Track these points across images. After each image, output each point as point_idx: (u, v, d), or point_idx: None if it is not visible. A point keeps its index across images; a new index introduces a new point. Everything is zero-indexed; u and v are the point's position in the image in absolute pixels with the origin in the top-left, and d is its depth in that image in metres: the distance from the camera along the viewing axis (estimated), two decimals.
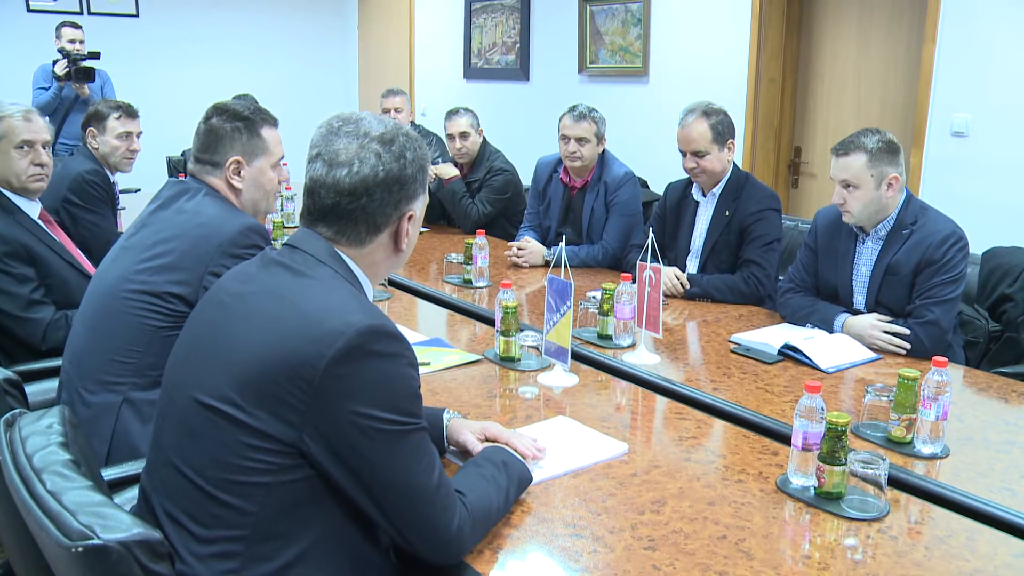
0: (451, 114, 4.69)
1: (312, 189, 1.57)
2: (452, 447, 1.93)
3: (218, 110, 2.35)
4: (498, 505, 1.63)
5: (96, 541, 1.18)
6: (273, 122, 2.42)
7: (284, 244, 1.60)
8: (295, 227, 4.59)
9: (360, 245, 1.58)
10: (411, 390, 1.47)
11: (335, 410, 1.38)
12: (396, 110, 5.30)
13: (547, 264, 3.87)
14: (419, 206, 1.64)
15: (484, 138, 4.76)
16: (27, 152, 2.91)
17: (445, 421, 1.93)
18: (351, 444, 1.40)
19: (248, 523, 1.41)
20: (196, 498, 1.43)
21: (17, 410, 1.55)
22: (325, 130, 1.58)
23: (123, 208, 4.33)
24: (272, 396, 1.38)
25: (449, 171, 4.64)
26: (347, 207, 1.54)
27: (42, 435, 1.44)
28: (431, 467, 1.47)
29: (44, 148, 2.98)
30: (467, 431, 1.90)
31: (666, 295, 3.32)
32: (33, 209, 2.97)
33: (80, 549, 1.18)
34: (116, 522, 1.23)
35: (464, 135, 4.64)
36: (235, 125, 2.32)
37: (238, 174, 2.34)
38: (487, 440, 1.88)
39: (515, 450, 1.84)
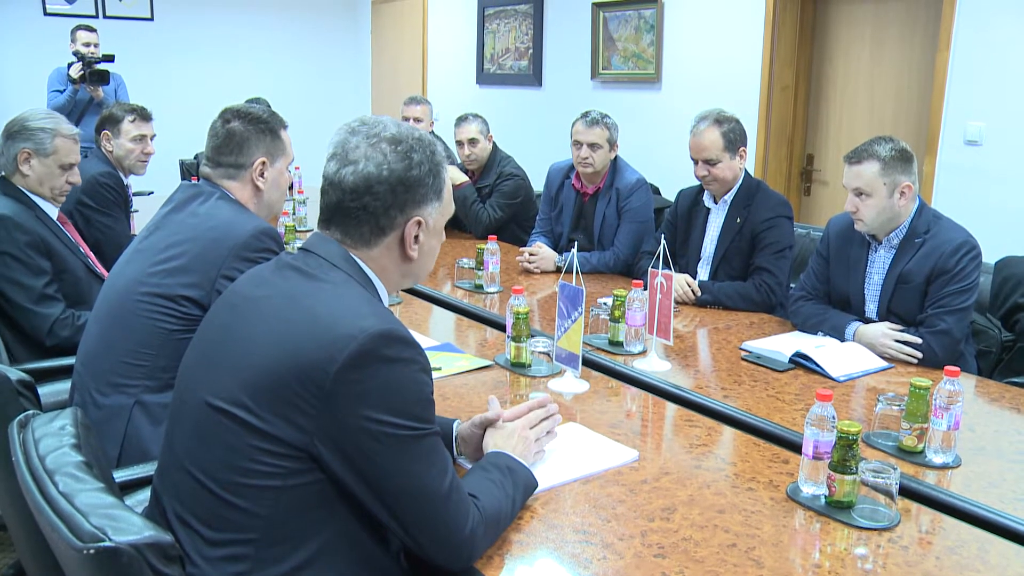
0: (460, 120, 4.70)
1: (323, 188, 1.58)
2: (464, 453, 1.93)
3: (237, 114, 2.38)
4: (507, 511, 1.63)
5: (108, 543, 1.19)
6: (286, 125, 2.46)
7: (299, 248, 1.61)
8: (307, 231, 4.62)
9: (367, 247, 1.58)
10: (423, 395, 1.47)
11: (346, 415, 1.38)
12: (416, 119, 5.29)
13: (559, 270, 3.87)
14: (431, 213, 1.61)
15: (494, 144, 4.76)
16: (67, 172, 3.02)
17: (455, 429, 1.93)
18: (362, 449, 1.40)
19: (258, 526, 1.42)
20: (206, 501, 1.43)
21: (30, 411, 1.56)
22: (345, 131, 1.59)
23: (136, 211, 4.35)
24: (283, 400, 1.39)
25: (459, 176, 4.64)
26: (350, 205, 1.54)
27: (55, 436, 1.44)
28: (443, 471, 1.47)
29: (76, 168, 3.09)
30: (478, 418, 1.89)
31: (677, 302, 3.32)
32: (52, 210, 3.04)
33: (92, 551, 1.18)
34: (128, 524, 1.23)
35: (473, 141, 4.64)
36: (259, 127, 2.37)
37: (262, 175, 2.37)
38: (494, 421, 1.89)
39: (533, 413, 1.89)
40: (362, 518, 1.48)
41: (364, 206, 1.54)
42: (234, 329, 1.52)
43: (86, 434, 1.52)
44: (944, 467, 1.99)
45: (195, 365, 1.56)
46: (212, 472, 1.43)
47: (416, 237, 1.60)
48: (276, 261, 1.61)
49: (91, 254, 3.20)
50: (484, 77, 7.71)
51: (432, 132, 5.44)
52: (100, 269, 3.14)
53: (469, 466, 1.88)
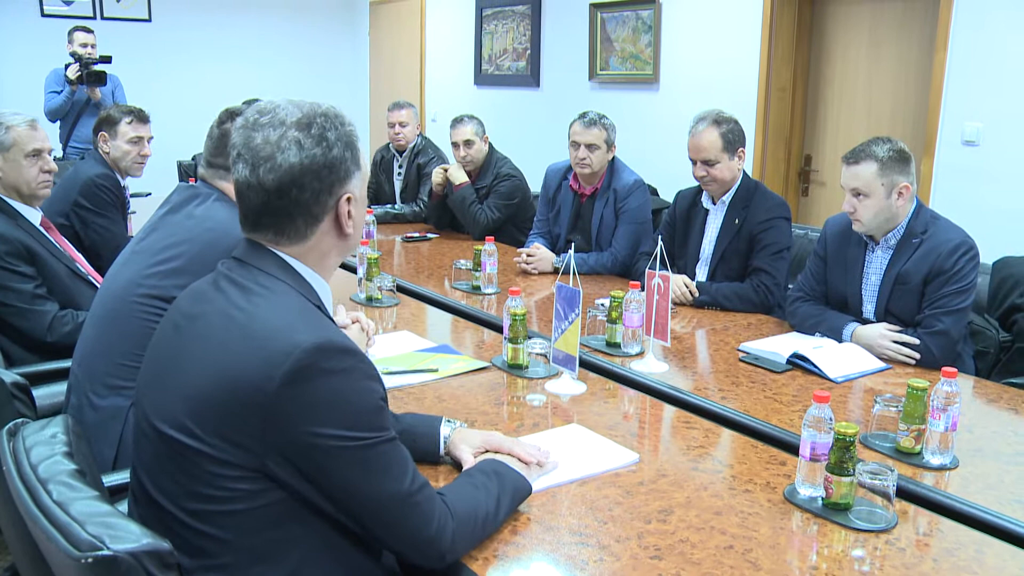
0: (456, 122, 4.70)
1: (240, 192, 1.51)
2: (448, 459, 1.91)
3: (231, 115, 2.37)
4: (487, 510, 1.60)
5: (106, 552, 1.18)
6: None
7: (232, 257, 1.55)
8: None
9: (302, 240, 1.52)
10: (370, 403, 1.42)
11: (293, 433, 1.35)
12: (401, 124, 5.26)
13: (556, 271, 3.86)
14: (356, 185, 1.55)
15: (491, 144, 4.76)
16: (37, 160, 2.97)
17: (445, 434, 1.91)
18: (316, 464, 1.37)
19: (230, 550, 1.40)
20: (175, 529, 1.41)
21: (20, 420, 1.55)
22: (242, 128, 1.50)
23: (133, 212, 4.34)
24: (227, 424, 1.36)
25: (460, 176, 4.64)
26: (277, 203, 1.47)
27: (46, 445, 1.43)
28: (402, 473, 1.44)
29: (49, 155, 3.04)
30: (465, 446, 1.87)
31: (675, 303, 3.31)
32: (34, 216, 3.02)
33: (90, 560, 1.17)
34: (125, 532, 1.22)
35: (469, 143, 4.64)
36: None
37: None
38: (488, 452, 1.86)
39: (518, 458, 1.83)
40: (337, 525, 1.46)
41: (294, 201, 1.47)
42: (177, 351, 1.48)
43: (78, 441, 1.50)
44: (942, 468, 1.99)
45: (146, 389, 1.52)
46: (175, 499, 1.41)
47: (348, 213, 1.54)
48: (215, 273, 1.55)
49: (78, 257, 3.19)
50: (482, 78, 7.71)
51: (421, 134, 5.44)
52: (89, 272, 3.14)
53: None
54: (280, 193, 1.47)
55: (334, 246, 1.57)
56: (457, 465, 1.87)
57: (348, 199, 1.53)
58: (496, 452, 1.85)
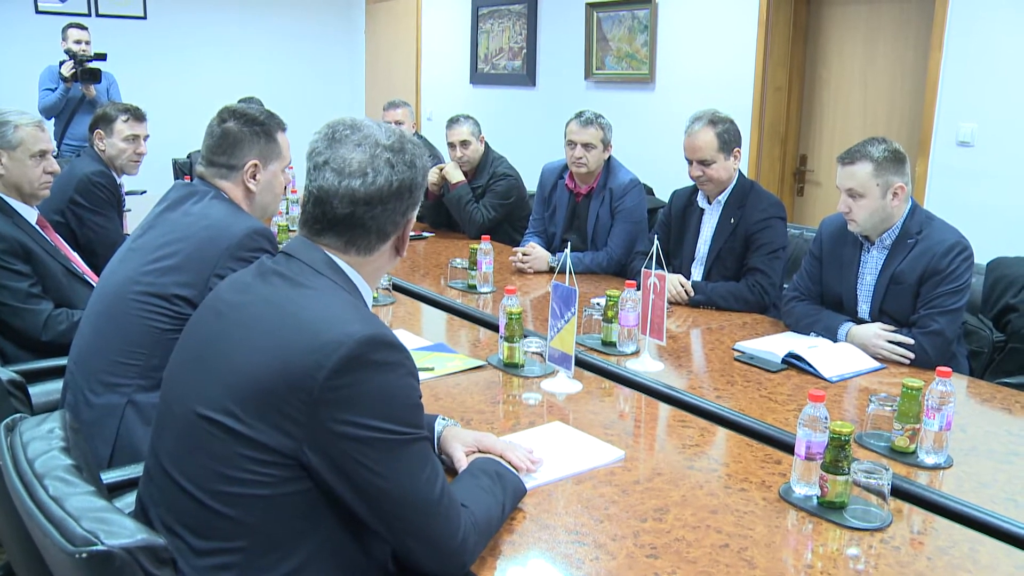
0: (451, 122, 4.69)
1: (322, 198, 1.54)
2: (442, 456, 1.92)
3: (233, 114, 2.36)
4: (496, 517, 1.63)
5: (100, 547, 1.18)
6: (284, 127, 2.44)
7: (280, 252, 1.59)
8: None
9: (368, 253, 1.58)
10: (411, 400, 1.46)
11: (335, 421, 1.37)
12: (396, 123, 5.27)
13: (552, 270, 3.87)
14: (416, 213, 1.66)
15: (487, 144, 4.76)
16: (41, 161, 2.99)
17: (438, 430, 1.92)
18: (352, 455, 1.39)
19: (246, 534, 1.41)
20: (194, 510, 1.43)
21: (17, 415, 1.55)
22: (328, 138, 1.56)
23: (129, 210, 4.34)
24: (272, 408, 1.37)
25: (456, 175, 4.64)
26: (362, 216, 1.53)
27: (43, 440, 1.43)
28: (434, 477, 1.46)
29: (52, 156, 3.05)
30: (458, 443, 1.87)
31: (670, 302, 3.32)
32: (31, 214, 3.02)
33: (84, 555, 1.18)
34: (120, 528, 1.23)
35: (465, 143, 4.64)
36: (253, 129, 2.34)
37: (254, 177, 2.35)
38: (480, 452, 1.86)
39: (509, 462, 1.83)
40: (347, 527, 1.47)
41: (374, 216, 1.54)
42: (219, 337, 1.50)
43: (75, 437, 1.51)
44: (936, 468, 2.00)
45: (180, 373, 1.54)
46: (199, 481, 1.42)
47: (407, 236, 1.64)
48: (258, 266, 1.59)
49: (73, 256, 3.19)
50: (478, 77, 7.71)
51: (417, 133, 5.43)
52: (84, 270, 3.13)
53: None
54: (368, 207, 1.54)
55: (386, 264, 1.66)
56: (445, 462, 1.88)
57: (410, 223, 1.63)
58: (487, 453, 1.86)
